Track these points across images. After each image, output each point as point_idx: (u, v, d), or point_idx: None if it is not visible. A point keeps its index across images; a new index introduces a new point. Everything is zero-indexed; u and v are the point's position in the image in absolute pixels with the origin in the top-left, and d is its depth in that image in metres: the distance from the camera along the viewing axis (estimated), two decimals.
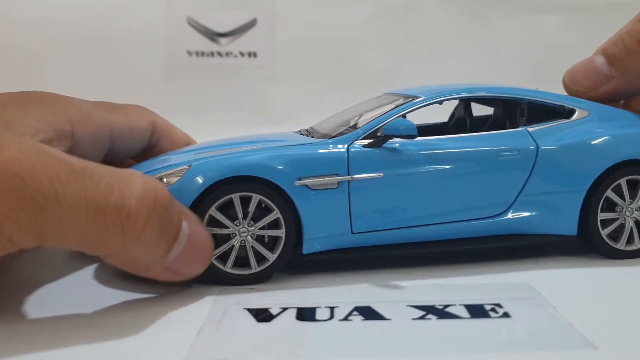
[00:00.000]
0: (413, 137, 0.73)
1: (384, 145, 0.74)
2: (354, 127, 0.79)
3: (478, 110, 0.94)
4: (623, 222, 0.79)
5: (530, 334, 0.58)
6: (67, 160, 0.56)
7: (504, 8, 1.64)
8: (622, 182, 0.79)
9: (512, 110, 0.84)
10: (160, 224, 0.60)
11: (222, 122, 1.46)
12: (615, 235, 0.80)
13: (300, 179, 0.71)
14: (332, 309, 0.63)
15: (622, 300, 0.66)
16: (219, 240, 0.70)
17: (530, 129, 0.80)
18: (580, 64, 0.88)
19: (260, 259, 0.71)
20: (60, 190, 0.54)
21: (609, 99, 0.87)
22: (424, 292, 0.68)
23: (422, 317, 0.61)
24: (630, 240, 0.80)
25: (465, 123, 0.95)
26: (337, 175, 0.72)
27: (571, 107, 0.83)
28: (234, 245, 0.70)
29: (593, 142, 0.79)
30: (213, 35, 1.62)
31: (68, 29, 1.57)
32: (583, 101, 0.84)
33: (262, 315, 0.62)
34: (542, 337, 0.57)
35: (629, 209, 0.79)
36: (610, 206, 0.80)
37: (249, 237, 0.71)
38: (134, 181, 0.59)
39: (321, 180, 0.72)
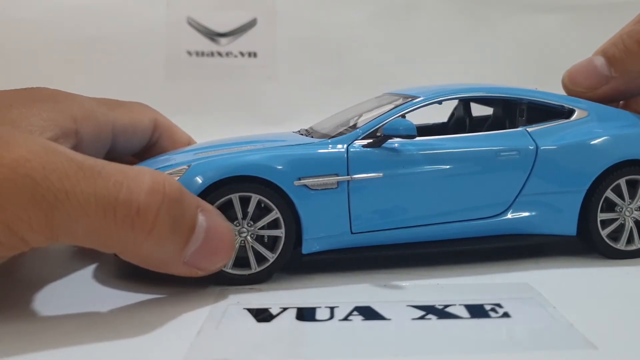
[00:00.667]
0: (412, 137, 0.73)
1: (384, 145, 0.74)
2: (354, 127, 0.79)
3: (477, 110, 0.94)
4: (623, 222, 0.79)
5: (530, 334, 0.58)
6: (75, 158, 0.57)
7: (504, 8, 1.64)
8: (622, 182, 0.79)
9: (512, 111, 0.84)
10: (172, 219, 0.59)
11: (222, 122, 1.47)
12: (615, 235, 0.80)
13: (299, 179, 0.71)
14: (332, 309, 0.63)
15: (622, 300, 0.66)
16: None
17: (529, 129, 0.80)
18: (579, 65, 0.88)
19: (260, 259, 0.71)
20: (69, 188, 0.54)
21: (609, 100, 0.87)
22: (424, 292, 0.68)
23: (422, 317, 0.61)
24: (630, 240, 0.80)
25: (464, 123, 0.95)
26: (337, 175, 0.72)
27: (571, 107, 0.83)
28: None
29: (592, 142, 0.79)
30: (213, 35, 1.62)
31: (68, 29, 1.57)
32: (582, 101, 0.84)
33: (262, 315, 0.62)
34: (542, 337, 0.57)
35: (628, 209, 0.79)
36: (609, 206, 0.80)
37: (248, 237, 0.71)
38: (142, 177, 0.59)
39: (321, 180, 0.72)
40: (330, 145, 0.74)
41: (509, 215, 0.78)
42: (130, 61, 1.58)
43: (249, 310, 0.63)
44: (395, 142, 0.75)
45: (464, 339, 0.57)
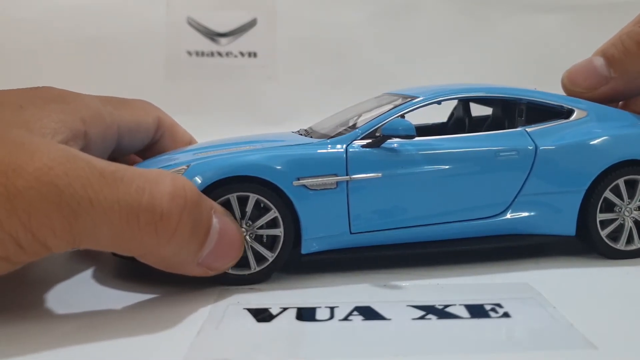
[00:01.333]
0: (412, 137, 0.73)
1: (383, 145, 0.74)
2: (353, 127, 0.79)
3: (477, 110, 0.94)
4: (622, 222, 0.80)
5: (530, 334, 0.58)
6: (96, 164, 0.57)
7: (504, 8, 1.64)
8: (620, 182, 0.79)
9: (511, 111, 0.84)
10: (192, 222, 0.60)
11: (222, 122, 1.47)
12: (615, 235, 0.80)
13: (298, 179, 0.71)
14: (332, 309, 0.63)
15: (622, 300, 0.66)
16: None
17: (529, 129, 0.80)
18: (579, 65, 0.88)
19: (260, 258, 0.71)
20: (93, 195, 0.55)
21: (608, 100, 0.87)
22: (424, 292, 0.68)
23: (422, 317, 0.61)
24: (629, 240, 0.80)
25: (464, 123, 0.95)
26: (336, 175, 0.72)
27: (570, 107, 0.83)
28: None
29: (592, 143, 0.79)
30: (213, 35, 1.62)
31: (68, 29, 1.57)
32: (582, 101, 0.84)
33: (262, 315, 0.62)
34: (542, 337, 0.57)
35: (627, 209, 0.79)
36: (609, 206, 0.80)
37: (247, 237, 0.71)
38: (162, 181, 0.59)
39: (320, 180, 0.72)
40: (329, 146, 0.74)
41: (508, 215, 0.78)
42: (130, 61, 1.58)
43: (249, 310, 0.63)
44: (395, 142, 0.75)
45: (464, 339, 0.57)
